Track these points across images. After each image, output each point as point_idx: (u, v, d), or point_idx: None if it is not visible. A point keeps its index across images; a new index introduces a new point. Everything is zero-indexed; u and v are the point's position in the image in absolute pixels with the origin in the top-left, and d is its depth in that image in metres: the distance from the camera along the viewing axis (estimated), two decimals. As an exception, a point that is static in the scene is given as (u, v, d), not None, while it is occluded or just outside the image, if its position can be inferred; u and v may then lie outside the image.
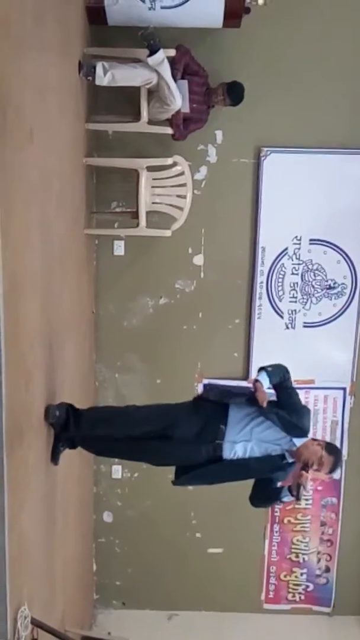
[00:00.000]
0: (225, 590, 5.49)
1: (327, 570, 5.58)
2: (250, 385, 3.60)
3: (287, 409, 3.38)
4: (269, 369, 3.40)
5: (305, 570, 5.58)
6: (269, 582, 5.59)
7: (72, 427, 3.34)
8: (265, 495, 3.52)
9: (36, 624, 2.75)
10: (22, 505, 2.70)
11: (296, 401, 3.46)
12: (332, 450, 3.40)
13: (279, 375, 3.41)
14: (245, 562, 5.51)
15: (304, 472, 3.30)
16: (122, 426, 3.45)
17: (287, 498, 3.40)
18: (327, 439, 5.33)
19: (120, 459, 3.90)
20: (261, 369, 3.44)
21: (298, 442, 3.37)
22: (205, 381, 5.06)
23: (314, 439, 3.46)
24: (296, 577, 5.59)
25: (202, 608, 5.52)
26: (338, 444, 5.33)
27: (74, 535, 4.28)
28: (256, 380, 3.37)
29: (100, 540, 5.48)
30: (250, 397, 3.38)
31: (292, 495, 3.33)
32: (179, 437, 3.38)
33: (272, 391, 3.47)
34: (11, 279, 2.50)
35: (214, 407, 3.43)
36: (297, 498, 3.35)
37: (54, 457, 3.37)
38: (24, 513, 2.73)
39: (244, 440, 3.36)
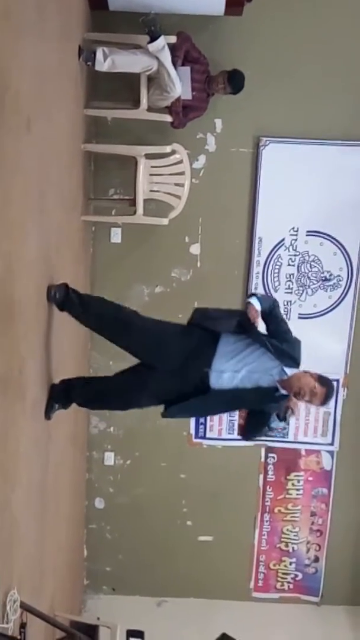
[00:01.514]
0: (214, 578, 5.52)
1: (316, 560, 5.62)
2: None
3: (278, 338, 3.38)
4: (259, 295, 3.43)
5: (294, 560, 5.62)
6: (258, 571, 5.63)
7: (75, 302, 3.35)
8: (256, 426, 3.51)
9: (25, 608, 2.77)
10: (14, 490, 2.71)
11: (286, 330, 3.46)
12: (325, 382, 3.35)
13: (269, 302, 3.42)
14: (235, 551, 5.55)
15: (294, 397, 3.29)
16: (117, 323, 3.47)
17: (276, 424, 3.40)
18: (319, 430, 5.37)
19: (109, 407, 3.92)
20: (252, 294, 3.45)
21: (290, 372, 3.35)
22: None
23: (305, 371, 3.39)
24: (285, 566, 5.63)
25: (191, 595, 5.56)
26: (330, 436, 5.37)
27: (65, 520, 4.30)
28: (248, 303, 3.38)
29: (91, 526, 5.51)
30: (241, 320, 3.36)
31: (280, 419, 3.34)
32: (166, 363, 3.37)
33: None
34: (7, 265, 2.50)
35: (204, 334, 3.40)
36: (284, 420, 3.35)
37: (47, 413, 3.38)
38: (15, 497, 2.74)
39: (232, 370, 3.34)
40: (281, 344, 3.36)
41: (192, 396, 3.37)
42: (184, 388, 3.38)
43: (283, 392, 3.34)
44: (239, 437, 3.76)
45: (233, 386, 3.35)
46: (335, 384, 5.23)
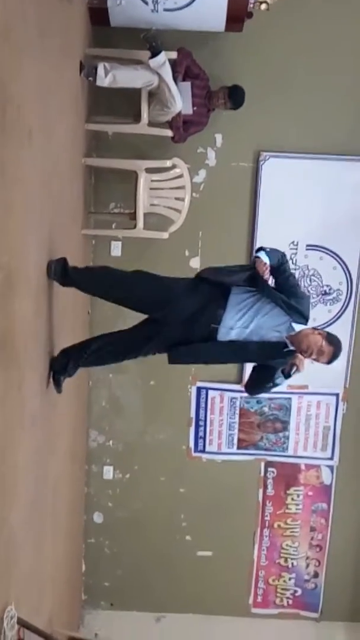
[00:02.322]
0: (213, 593, 5.49)
1: (316, 575, 5.58)
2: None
3: (286, 293, 3.35)
4: (268, 249, 3.36)
5: (293, 575, 5.59)
6: (257, 586, 5.60)
7: (71, 274, 3.32)
8: (260, 380, 3.49)
9: (23, 624, 2.74)
10: (12, 504, 2.70)
11: (294, 284, 3.43)
12: (333, 340, 3.32)
13: (277, 257, 3.35)
14: (234, 566, 5.52)
15: (301, 355, 3.28)
16: (120, 286, 3.46)
17: (281, 380, 3.39)
18: (319, 444, 5.35)
19: (116, 361, 3.72)
20: (260, 248, 3.40)
21: (298, 328, 3.33)
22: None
23: (314, 328, 3.37)
24: (285, 581, 5.59)
25: (190, 611, 5.52)
26: (329, 450, 5.36)
27: (63, 535, 4.27)
28: (256, 257, 3.33)
29: (90, 540, 5.48)
30: (251, 274, 3.32)
31: (285, 376, 3.32)
32: (174, 317, 3.34)
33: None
34: (6, 279, 2.50)
35: (214, 290, 3.37)
36: (289, 377, 3.33)
37: (57, 386, 3.39)
38: (13, 512, 2.72)
39: (241, 326, 3.32)
40: (289, 299, 3.34)
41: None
42: (188, 338, 3.36)
43: (291, 347, 3.32)
44: (244, 390, 3.75)
45: (243, 339, 3.35)
46: (334, 398, 5.30)
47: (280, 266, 3.36)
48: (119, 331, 3.61)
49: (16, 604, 2.69)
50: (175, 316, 3.36)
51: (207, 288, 3.39)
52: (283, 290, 3.36)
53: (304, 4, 4.74)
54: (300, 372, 3.36)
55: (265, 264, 3.29)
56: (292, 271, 3.43)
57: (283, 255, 3.41)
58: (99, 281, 3.54)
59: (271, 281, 3.40)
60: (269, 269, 3.30)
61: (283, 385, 3.71)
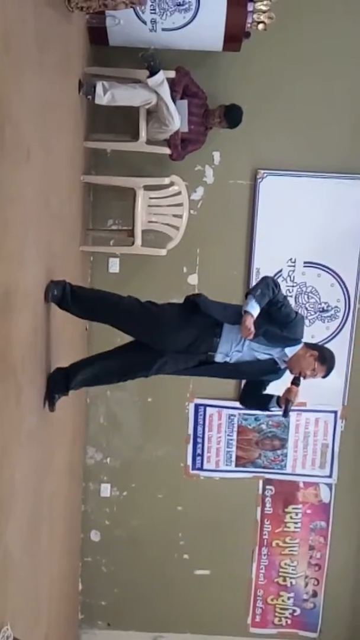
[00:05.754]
0: (211, 612, 5.44)
1: (315, 594, 5.53)
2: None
3: (278, 324, 3.36)
4: (257, 293, 3.19)
5: (292, 595, 5.54)
6: (255, 606, 5.54)
7: (69, 302, 3.37)
8: (256, 398, 3.60)
9: (18, 644, 2.71)
10: (7, 522, 2.68)
11: (287, 314, 3.37)
12: (325, 359, 3.42)
13: (268, 295, 3.24)
14: (232, 585, 5.48)
15: (293, 386, 3.35)
16: (113, 315, 3.53)
17: (275, 409, 3.46)
18: (317, 462, 5.33)
19: (113, 382, 3.78)
20: (248, 294, 3.24)
21: (290, 351, 3.40)
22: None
23: (307, 346, 3.43)
24: (283, 601, 5.54)
25: (188, 630, 5.47)
26: (328, 468, 5.33)
27: (60, 553, 4.24)
28: (245, 312, 3.17)
29: (86, 559, 5.44)
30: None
31: (280, 407, 3.38)
32: (169, 350, 3.40)
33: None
34: (4, 295, 2.50)
35: (208, 319, 3.40)
36: (285, 414, 3.37)
37: (51, 405, 3.39)
38: (9, 530, 2.70)
39: (235, 350, 3.39)
40: (282, 331, 3.37)
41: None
42: (187, 365, 3.47)
43: (282, 366, 3.45)
44: (240, 407, 3.88)
45: (234, 361, 3.43)
46: (333, 415, 5.28)
47: (270, 300, 3.28)
48: (117, 353, 3.62)
49: (12, 624, 2.66)
50: (171, 349, 3.42)
51: (200, 320, 3.41)
52: (275, 320, 3.36)
53: (301, 23, 4.79)
54: (295, 404, 3.42)
55: (250, 330, 3.16)
56: (284, 298, 3.36)
57: (274, 286, 3.27)
58: (92, 311, 3.62)
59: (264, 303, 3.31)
60: (253, 334, 3.20)
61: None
